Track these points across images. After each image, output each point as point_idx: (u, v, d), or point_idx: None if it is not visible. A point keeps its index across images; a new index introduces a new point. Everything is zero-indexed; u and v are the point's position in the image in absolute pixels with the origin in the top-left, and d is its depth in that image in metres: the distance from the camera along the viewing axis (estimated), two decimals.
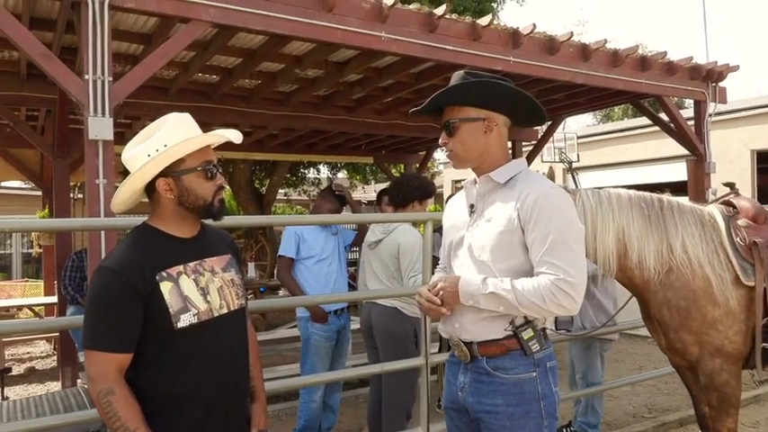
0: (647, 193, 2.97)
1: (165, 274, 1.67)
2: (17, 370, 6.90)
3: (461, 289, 1.85)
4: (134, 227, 1.82)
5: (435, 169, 22.89)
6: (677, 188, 7.24)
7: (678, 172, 12.85)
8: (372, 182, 17.11)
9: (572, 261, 1.78)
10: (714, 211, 2.98)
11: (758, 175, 14.14)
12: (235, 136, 1.80)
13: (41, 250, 8.45)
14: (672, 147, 7.64)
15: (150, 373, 1.66)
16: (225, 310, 1.78)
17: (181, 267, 1.71)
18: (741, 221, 2.87)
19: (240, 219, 3.96)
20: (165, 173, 1.70)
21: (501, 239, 1.85)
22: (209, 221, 1.86)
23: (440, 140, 2.00)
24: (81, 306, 5.56)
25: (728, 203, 3.02)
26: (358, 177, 15.80)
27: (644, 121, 16.11)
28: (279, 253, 4.07)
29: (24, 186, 16.04)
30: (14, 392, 5.94)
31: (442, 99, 1.95)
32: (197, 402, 1.70)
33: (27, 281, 12.39)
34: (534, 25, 4.70)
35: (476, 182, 2.04)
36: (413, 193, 3.70)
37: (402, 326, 3.63)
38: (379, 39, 4.11)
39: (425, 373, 3.09)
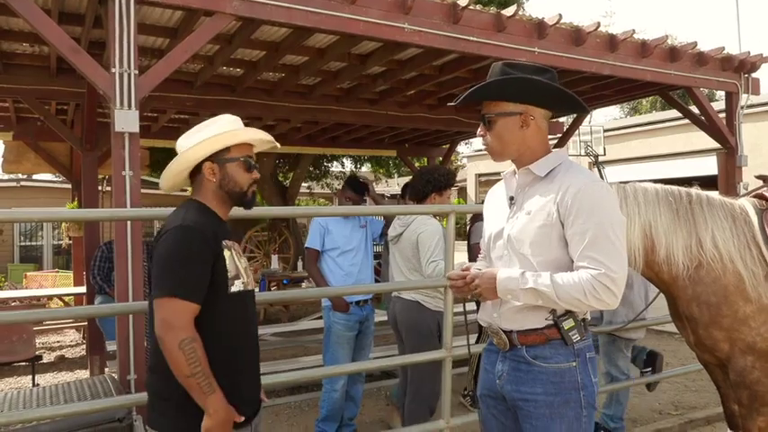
0: (674, 187, 2.90)
1: (225, 243, 1.90)
2: (47, 358, 7.08)
3: (500, 284, 1.85)
4: (184, 201, 2.01)
5: (459, 162, 22.77)
6: (708, 182, 7.08)
7: (709, 166, 12.58)
8: (396, 175, 17.08)
9: (613, 256, 1.76)
10: (746, 204, 2.89)
11: None
12: (275, 142, 2.12)
13: (71, 242, 8.62)
14: (702, 140, 7.47)
15: (205, 329, 1.78)
16: (251, 287, 2.03)
17: (229, 242, 1.93)
18: None
19: (262, 210, 3.98)
20: (212, 158, 1.94)
21: (540, 233, 1.85)
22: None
23: (477, 132, 2.00)
24: (109, 296, 5.67)
25: (761, 197, 2.93)
26: (381, 171, 15.81)
27: (673, 113, 15.80)
28: (306, 245, 4.14)
29: (55, 179, 16.39)
30: (45, 380, 6.09)
31: (478, 94, 1.94)
32: (242, 363, 1.90)
33: (58, 272, 12.67)
34: (560, 15, 4.62)
35: (515, 173, 2.03)
36: (426, 186, 3.69)
37: (424, 319, 3.62)
38: (402, 30, 4.08)
39: (447, 366, 3.07)
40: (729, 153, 6.14)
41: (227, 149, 1.95)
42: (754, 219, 2.79)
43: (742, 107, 6.08)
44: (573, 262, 1.82)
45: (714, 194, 2.92)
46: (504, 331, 1.93)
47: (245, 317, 1.95)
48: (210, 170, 1.95)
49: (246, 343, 1.95)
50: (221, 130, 1.94)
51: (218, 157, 1.95)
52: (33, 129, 7.27)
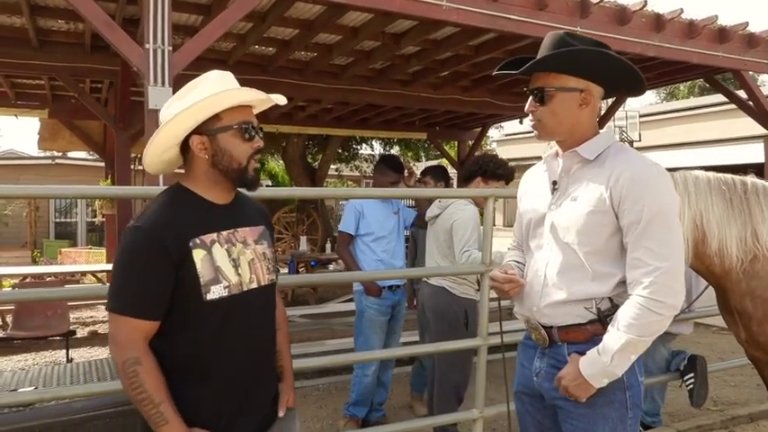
0: (728, 176, 2.74)
1: (198, 240, 1.55)
2: (81, 333, 7.21)
3: (589, 378, 1.68)
4: (167, 187, 1.68)
5: (488, 147, 22.38)
6: (751, 170, 6.81)
7: (751, 153, 12.17)
8: (424, 158, 16.92)
9: (670, 243, 1.64)
10: None
11: None
12: (277, 98, 1.70)
13: (104, 219, 8.75)
14: (743, 127, 7.19)
15: (174, 344, 1.55)
16: (254, 285, 1.65)
17: (214, 235, 1.59)
18: None
19: (293, 190, 3.92)
20: (199, 130, 1.58)
21: (589, 221, 1.71)
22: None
23: (526, 107, 1.83)
24: None
25: None
26: (410, 154, 15.68)
27: (712, 99, 15.28)
28: (339, 228, 3.97)
29: (89, 157, 16.68)
30: (78, 354, 6.20)
31: (547, 63, 1.76)
32: (221, 378, 1.59)
33: (91, 248, 12.93)
34: None
35: (557, 155, 1.88)
36: (473, 166, 3.55)
37: (450, 306, 3.52)
38: (439, 8, 3.96)
39: (483, 354, 2.99)
40: None
41: (217, 117, 1.57)
42: None
43: None
44: (625, 251, 1.70)
45: None
46: (544, 327, 1.82)
47: (233, 324, 1.60)
48: (201, 145, 1.58)
49: (237, 355, 1.61)
50: (203, 95, 1.55)
51: (206, 128, 1.57)
52: (68, 107, 7.35)
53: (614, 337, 1.65)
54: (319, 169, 12.79)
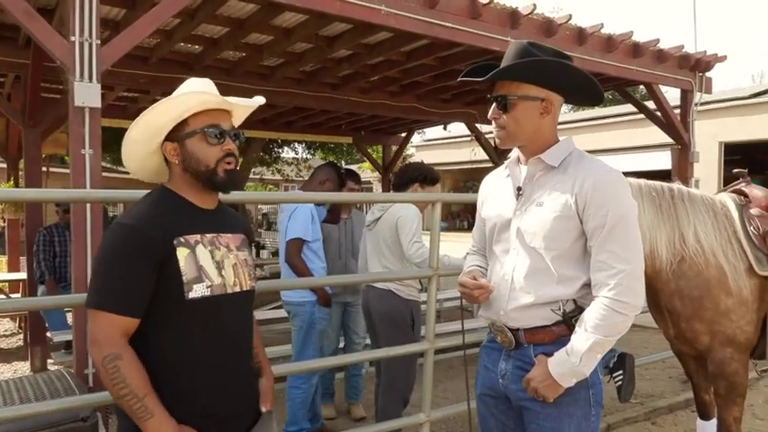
0: (656, 182, 2.92)
1: (182, 239, 1.57)
2: None
3: (558, 378, 1.72)
4: (153, 189, 1.70)
5: (408, 152, 22.67)
6: (652, 177, 7.31)
7: (657, 161, 13.07)
8: (344, 162, 16.95)
9: (632, 246, 1.72)
10: (726, 199, 2.95)
11: (725, 166, 14.52)
12: (247, 101, 1.71)
13: (5, 224, 8.05)
14: (646, 136, 7.69)
15: (155, 345, 1.54)
16: (238, 289, 1.67)
17: (198, 236, 1.61)
18: (754, 210, 2.85)
19: (250, 195, 3.76)
20: (170, 137, 1.63)
21: (555, 226, 1.76)
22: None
23: (489, 114, 1.87)
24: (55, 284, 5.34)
25: (740, 192, 3.00)
26: (333, 157, 15.65)
27: (618, 109, 16.31)
28: (296, 235, 3.70)
29: None
30: None
31: (511, 73, 1.80)
32: (202, 379, 1.58)
33: None
34: (534, 5, 4.62)
35: (519, 161, 1.92)
36: (414, 173, 3.62)
37: (397, 308, 3.53)
38: (378, 12, 3.97)
39: (429, 358, 3.01)
40: (683, 149, 6.35)
41: (185, 123, 1.61)
42: (735, 214, 2.85)
43: (696, 104, 6.30)
44: (584, 254, 1.77)
45: (695, 190, 2.96)
46: (511, 329, 1.85)
47: (214, 325, 1.60)
48: (172, 150, 1.63)
49: (220, 356, 1.61)
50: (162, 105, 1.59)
51: (176, 135, 1.62)
52: None
53: (582, 338, 1.70)
54: (240, 172, 12.46)
